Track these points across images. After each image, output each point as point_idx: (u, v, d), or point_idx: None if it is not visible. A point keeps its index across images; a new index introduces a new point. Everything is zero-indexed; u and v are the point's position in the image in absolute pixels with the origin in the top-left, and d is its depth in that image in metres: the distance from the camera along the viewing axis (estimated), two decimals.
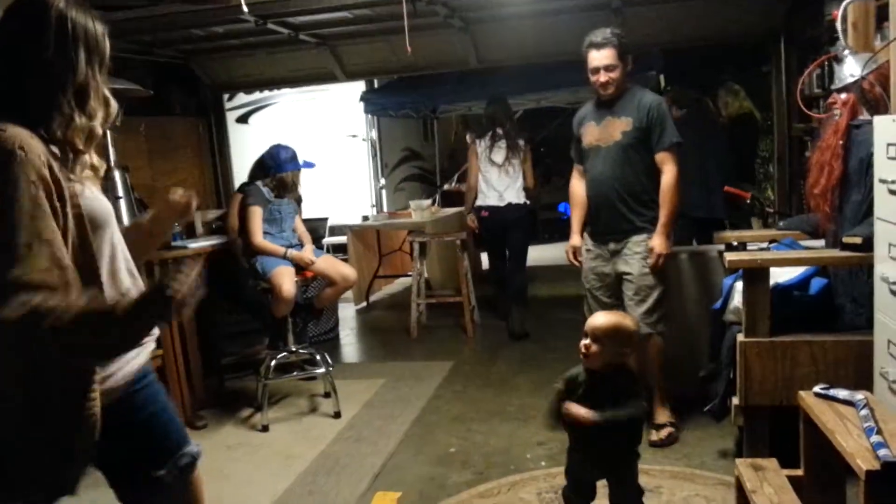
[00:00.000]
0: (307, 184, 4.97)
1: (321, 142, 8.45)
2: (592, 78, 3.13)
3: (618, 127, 3.13)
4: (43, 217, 1.26)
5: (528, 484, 2.80)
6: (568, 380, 2.16)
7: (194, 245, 3.91)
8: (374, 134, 8.54)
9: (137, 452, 1.52)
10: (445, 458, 3.11)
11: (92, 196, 1.46)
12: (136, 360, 1.53)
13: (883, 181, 2.22)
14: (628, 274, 3.13)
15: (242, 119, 8.50)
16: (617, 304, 3.18)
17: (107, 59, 1.48)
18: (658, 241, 3.08)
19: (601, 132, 3.18)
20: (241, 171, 6.38)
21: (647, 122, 3.10)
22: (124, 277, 1.53)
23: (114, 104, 1.50)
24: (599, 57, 3.07)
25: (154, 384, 1.60)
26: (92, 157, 1.50)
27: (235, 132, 7.71)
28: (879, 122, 2.30)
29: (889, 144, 2.18)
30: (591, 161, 3.24)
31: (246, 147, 7.40)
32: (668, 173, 3.10)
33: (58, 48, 1.38)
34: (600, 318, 2.15)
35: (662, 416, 3.15)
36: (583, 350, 2.09)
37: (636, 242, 3.14)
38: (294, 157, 4.11)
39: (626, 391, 2.10)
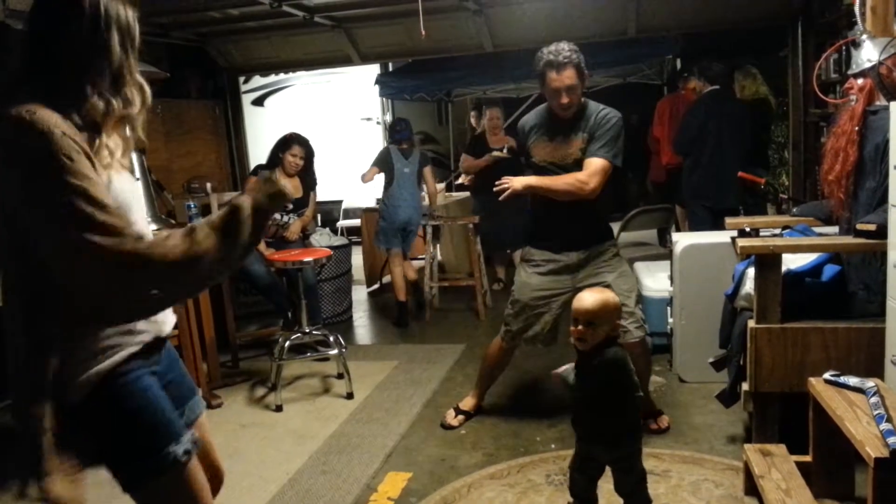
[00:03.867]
0: (322, 167, 5.00)
1: (336, 125, 8.48)
2: (553, 100, 2.97)
3: (576, 145, 2.99)
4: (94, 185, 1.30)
5: (538, 466, 2.83)
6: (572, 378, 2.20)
7: None
8: (389, 117, 8.54)
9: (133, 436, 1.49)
10: (456, 440, 3.15)
11: (119, 184, 1.46)
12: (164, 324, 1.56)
13: None
14: (601, 284, 2.94)
15: (258, 102, 8.54)
16: (556, 319, 3.12)
17: (137, 43, 1.49)
18: (520, 179, 2.96)
19: (556, 151, 3.02)
20: (256, 154, 6.42)
21: (594, 130, 2.97)
22: None
23: (148, 89, 1.50)
24: (561, 78, 2.89)
25: (141, 380, 1.52)
26: (124, 144, 1.51)
27: (251, 115, 7.75)
28: (894, 108, 2.28)
29: None
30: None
31: (262, 130, 7.44)
32: (586, 175, 2.92)
33: (92, 33, 1.39)
34: (589, 300, 2.12)
35: (654, 405, 3.17)
36: (577, 336, 2.09)
37: (602, 252, 3.07)
38: None
39: (619, 364, 2.11)
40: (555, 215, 3.05)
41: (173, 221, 3.99)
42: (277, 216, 4.55)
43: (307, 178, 4.73)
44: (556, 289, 3.08)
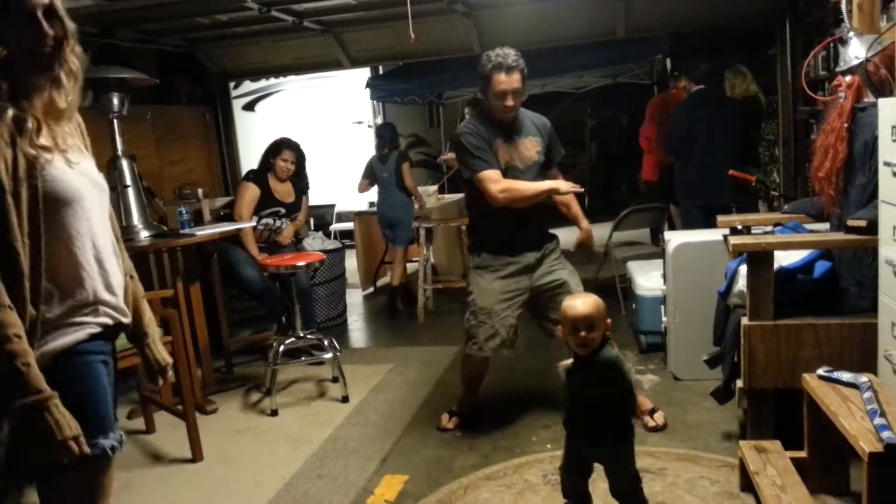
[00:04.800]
0: (314, 171, 5.00)
1: (327, 128, 8.47)
2: (498, 102, 3.01)
3: (531, 147, 3.12)
4: None
5: (534, 466, 2.83)
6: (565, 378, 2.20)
7: (202, 232, 3.93)
8: (380, 120, 8.54)
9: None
10: (452, 442, 3.15)
11: (61, 172, 1.48)
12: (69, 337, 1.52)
13: (888, 164, 2.22)
14: (558, 281, 3.11)
15: (249, 107, 8.53)
16: (518, 322, 3.16)
17: (73, 31, 1.51)
18: (588, 224, 3.28)
19: (515, 153, 3.09)
20: (248, 159, 6.41)
21: (549, 140, 3.20)
22: (86, 260, 1.54)
23: (80, 78, 1.54)
24: (509, 81, 2.96)
25: (94, 365, 1.55)
26: (64, 130, 1.54)
27: (242, 120, 7.73)
28: (884, 104, 2.30)
29: (894, 127, 2.17)
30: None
31: (253, 134, 7.43)
32: (552, 183, 3.12)
33: (13, 15, 1.42)
34: (583, 306, 2.12)
35: (647, 403, 3.18)
36: (581, 343, 2.09)
37: (552, 250, 3.20)
38: None
39: (617, 364, 2.12)
40: (511, 220, 3.08)
41: (165, 228, 3.97)
42: (270, 221, 4.55)
43: (299, 182, 4.73)
44: (517, 290, 3.13)
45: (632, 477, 2.20)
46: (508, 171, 3.07)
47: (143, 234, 3.70)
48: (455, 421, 3.29)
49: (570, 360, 2.18)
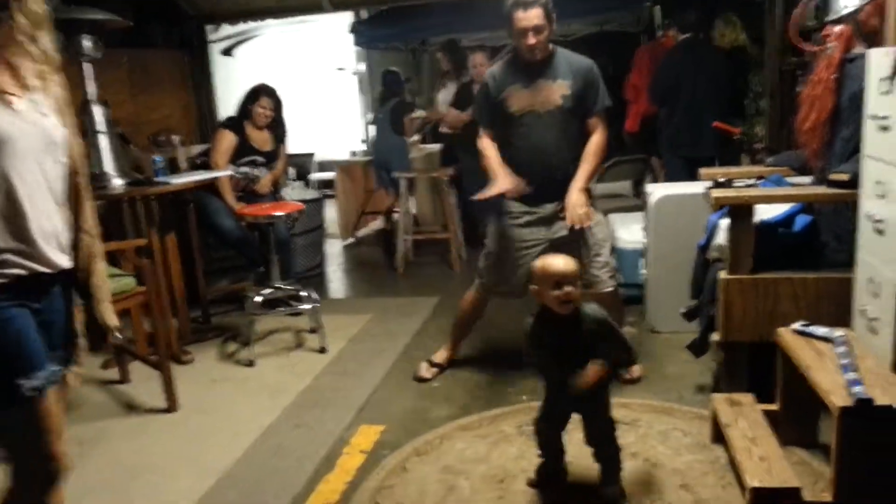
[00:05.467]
0: (294, 119, 4.90)
1: (309, 75, 8.29)
2: (520, 41, 2.94)
3: (556, 91, 2.97)
4: None
5: (510, 417, 2.84)
6: (531, 336, 2.18)
7: (178, 181, 3.85)
8: (363, 67, 8.37)
9: None
10: (429, 393, 3.15)
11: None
12: None
13: (874, 117, 2.18)
14: (579, 235, 3.01)
15: (227, 52, 8.29)
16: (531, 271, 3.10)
17: None
18: (577, 197, 2.94)
19: (534, 97, 2.98)
20: (226, 106, 6.26)
21: (583, 84, 2.99)
22: (24, 208, 1.53)
23: (42, 17, 1.49)
24: (528, 17, 2.86)
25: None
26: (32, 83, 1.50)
27: (220, 65, 7.52)
28: (873, 55, 2.24)
29: (882, 79, 2.13)
30: (525, 128, 3.02)
31: (232, 80, 7.24)
32: (600, 134, 3.03)
33: None
34: (562, 263, 2.11)
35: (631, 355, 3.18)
36: (569, 299, 2.07)
37: None
38: None
39: (603, 317, 2.12)
40: (531, 167, 3.01)
41: (140, 176, 3.88)
42: (248, 169, 4.46)
43: (277, 130, 4.63)
44: (532, 240, 3.06)
45: (608, 424, 2.21)
46: (526, 116, 3.00)
47: (117, 182, 3.61)
48: (434, 371, 3.28)
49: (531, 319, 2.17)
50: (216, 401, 3.23)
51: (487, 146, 3.09)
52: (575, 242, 3.00)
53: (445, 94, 5.96)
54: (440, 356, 3.35)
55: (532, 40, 2.90)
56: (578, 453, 2.36)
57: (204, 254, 4.47)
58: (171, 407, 3.12)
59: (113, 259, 3.25)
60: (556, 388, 2.21)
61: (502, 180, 2.97)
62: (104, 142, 3.68)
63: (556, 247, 3.02)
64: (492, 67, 3.17)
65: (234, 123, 4.48)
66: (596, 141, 3.02)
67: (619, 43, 7.63)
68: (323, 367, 3.51)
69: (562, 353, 2.14)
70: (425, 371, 3.28)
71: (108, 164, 3.65)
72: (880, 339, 2.16)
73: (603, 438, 2.22)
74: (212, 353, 3.80)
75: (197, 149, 5.06)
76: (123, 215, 4.02)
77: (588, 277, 3.00)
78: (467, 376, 3.27)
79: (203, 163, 4.66)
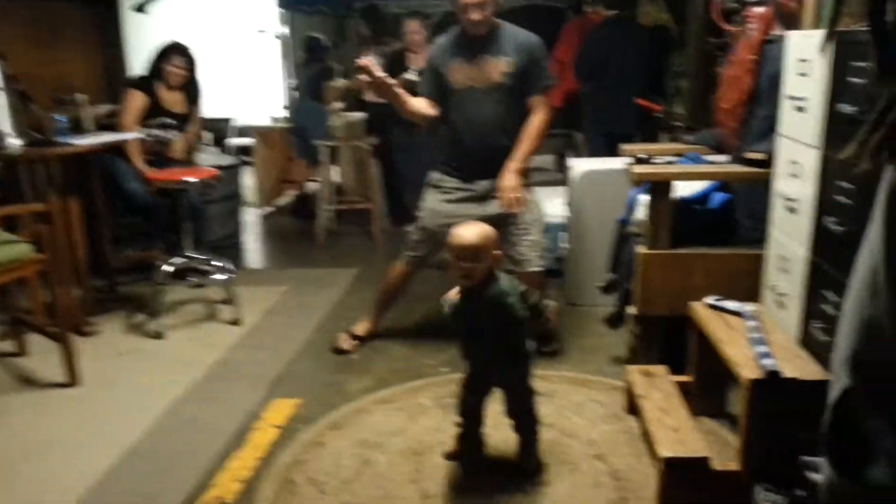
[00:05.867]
0: (212, 82, 4.68)
1: (228, 36, 7.96)
2: (463, 15, 2.87)
3: (497, 67, 2.91)
4: None
5: (428, 389, 2.82)
6: (452, 307, 2.14)
7: (82, 142, 3.61)
8: (287, 30, 8.08)
9: None
10: (346, 366, 3.09)
11: None
12: None
13: (790, 97, 2.22)
14: (510, 214, 2.98)
15: (140, 8, 7.86)
16: None
17: None
18: (510, 179, 2.89)
19: (475, 72, 2.93)
20: (138, 66, 5.93)
21: (527, 62, 2.92)
22: None
23: None
24: None
25: None
26: None
27: (132, 22, 7.12)
28: (792, 37, 2.28)
29: (799, 60, 2.16)
30: (463, 103, 2.95)
31: (144, 39, 6.86)
32: (541, 115, 2.96)
33: None
34: (468, 235, 2.04)
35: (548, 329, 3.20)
36: (462, 274, 2.02)
37: None
38: None
39: (508, 295, 2.09)
40: (467, 144, 2.97)
41: (39, 136, 3.62)
42: (158, 132, 4.24)
43: (191, 91, 4.41)
44: (464, 216, 3.00)
45: (528, 397, 2.21)
46: (466, 91, 2.92)
47: (15, 143, 3.36)
48: (354, 343, 3.22)
49: (455, 291, 2.13)
50: (122, 374, 3.08)
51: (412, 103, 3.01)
52: (505, 220, 2.98)
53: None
54: (361, 328, 3.28)
55: (475, 15, 2.84)
56: (496, 424, 2.35)
57: (111, 220, 4.23)
58: (73, 381, 2.94)
59: (11, 225, 3.03)
60: (473, 363, 2.19)
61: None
62: (1, 99, 3.42)
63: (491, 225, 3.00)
64: (440, 38, 3.10)
65: (144, 83, 4.24)
66: (536, 121, 2.96)
67: (546, 18, 7.64)
68: (236, 340, 3.40)
69: (475, 329, 2.11)
70: (344, 343, 3.22)
71: (5, 122, 3.40)
72: (788, 314, 2.23)
73: (522, 411, 2.22)
74: (118, 325, 3.62)
75: (104, 109, 4.77)
76: (21, 178, 3.76)
77: (516, 256, 3.00)
78: (386, 348, 3.22)
79: (110, 124, 4.40)
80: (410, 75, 4.57)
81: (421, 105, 3.02)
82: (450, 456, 2.31)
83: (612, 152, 4.50)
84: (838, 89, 1.93)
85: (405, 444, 2.43)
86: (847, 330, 0.81)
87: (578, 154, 5.48)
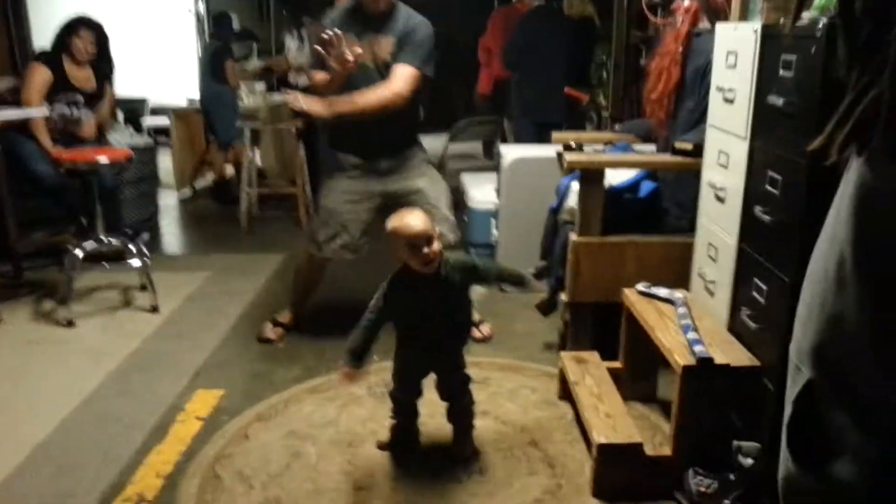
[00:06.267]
0: (125, 60, 4.44)
1: (143, 13, 7.60)
2: None
3: (386, 47, 2.86)
4: None
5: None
6: (388, 297, 2.10)
7: None
8: (202, 7, 7.76)
9: None
10: (273, 354, 2.99)
11: None
12: None
13: (720, 89, 2.26)
14: (412, 188, 2.95)
15: None
16: (365, 226, 2.99)
17: None
18: (320, 103, 2.74)
19: (367, 50, 2.82)
20: (44, 38, 5.57)
21: (405, 40, 2.83)
22: None
23: None
24: None
25: None
26: None
27: None
28: (721, 29, 2.32)
29: (729, 52, 2.20)
30: (356, 81, 2.77)
31: (52, 12, 6.45)
32: (388, 87, 2.77)
33: None
34: (416, 222, 1.99)
35: (476, 314, 3.20)
36: (429, 259, 1.98)
37: (410, 158, 2.99)
38: None
39: (469, 264, 2.11)
40: (362, 122, 2.88)
41: None
42: (66, 110, 3.98)
43: (101, 67, 4.17)
44: (365, 192, 2.96)
45: (463, 380, 2.19)
46: (360, 71, 2.80)
47: None
48: (278, 332, 3.12)
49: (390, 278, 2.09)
50: (29, 365, 2.89)
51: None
52: (408, 199, 2.94)
53: (291, 41, 5.68)
54: (285, 316, 3.18)
55: None
56: (432, 412, 2.32)
57: (16, 202, 3.96)
58: None
59: None
60: (414, 348, 2.14)
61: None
62: None
63: (389, 204, 2.93)
64: (332, 11, 2.99)
65: (50, 57, 3.99)
66: (376, 90, 2.76)
67: (474, 5, 7.63)
68: (154, 329, 3.24)
69: (425, 312, 2.07)
70: (269, 332, 3.11)
71: None
72: (716, 301, 2.28)
73: (457, 393, 2.20)
74: (25, 313, 3.39)
75: (5, 83, 4.46)
76: None
77: None
78: (314, 337, 3.13)
79: (14, 101, 4.11)
80: None
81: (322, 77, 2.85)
82: (383, 446, 2.27)
83: (541, 140, 4.54)
84: (767, 81, 1.98)
85: (337, 434, 2.36)
86: (808, 322, 0.80)
87: (505, 141, 5.50)
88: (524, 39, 4.85)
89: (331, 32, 2.63)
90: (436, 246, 1.99)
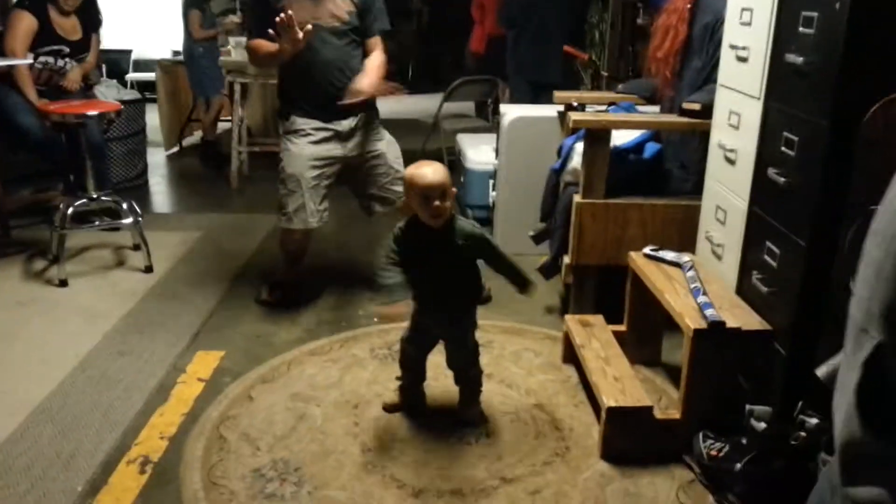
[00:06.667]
0: (107, 10, 4.29)
1: None
2: None
3: (342, 7, 2.81)
4: None
5: (361, 340, 2.73)
6: (394, 248, 2.05)
7: None
8: None
9: None
10: (272, 316, 2.95)
11: None
12: None
13: (733, 46, 2.21)
14: (374, 152, 2.95)
15: None
16: (328, 192, 2.95)
17: None
18: (367, 81, 2.79)
19: (319, 11, 2.77)
20: None
21: (366, 2, 2.86)
22: None
23: None
24: None
25: None
26: None
27: None
28: None
29: (743, 9, 2.15)
30: (310, 43, 2.71)
31: None
32: (379, 55, 2.91)
33: None
34: (432, 173, 1.96)
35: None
36: (435, 213, 1.95)
37: (370, 120, 2.95)
38: None
39: (479, 232, 2.08)
40: (319, 85, 2.82)
41: None
42: (51, 60, 3.85)
43: (88, 16, 4.02)
44: (329, 158, 2.90)
45: (472, 350, 2.18)
46: (315, 32, 2.72)
47: None
48: (275, 294, 3.08)
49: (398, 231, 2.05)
50: (22, 325, 2.83)
51: (257, 42, 2.82)
52: (369, 162, 2.96)
53: None
54: (282, 278, 3.13)
55: None
56: (437, 375, 2.31)
57: (1, 158, 3.85)
58: None
59: None
60: (425, 305, 2.12)
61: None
62: None
63: (352, 166, 2.96)
64: None
65: (34, 5, 3.83)
66: (379, 57, 2.90)
67: None
68: (148, 289, 3.18)
69: (430, 267, 2.04)
70: (266, 294, 3.07)
71: None
72: (724, 265, 2.27)
73: (466, 363, 2.18)
74: (14, 272, 3.32)
75: None
76: None
77: (390, 196, 3.00)
78: (313, 298, 3.10)
79: None
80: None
81: (269, 47, 2.75)
82: (389, 408, 2.25)
83: (537, 100, 4.48)
84: (784, 39, 1.93)
85: (341, 396, 2.35)
86: (877, 282, 0.76)
87: (498, 101, 5.41)
88: None
89: (283, 16, 2.53)
90: (448, 202, 1.95)
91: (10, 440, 2.11)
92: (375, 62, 2.88)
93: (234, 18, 5.61)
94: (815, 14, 1.78)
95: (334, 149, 2.90)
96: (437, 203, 1.93)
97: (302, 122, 2.88)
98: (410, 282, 2.01)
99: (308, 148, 2.87)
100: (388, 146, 3.01)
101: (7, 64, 3.52)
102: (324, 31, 2.78)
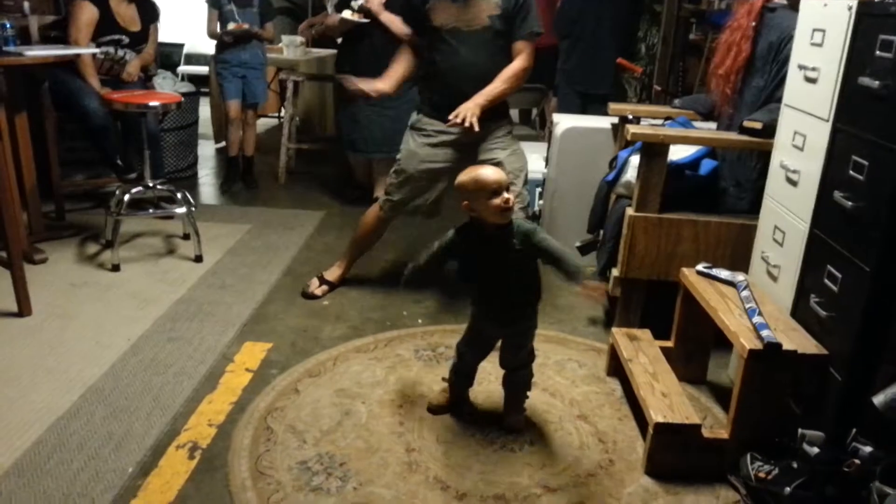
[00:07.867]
0: (161, 1, 4.36)
1: None
2: None
3: (484, 10, 2.76)
4: None
5: (406, 340, 2.75)
6: (445, 247, 2.07)
7: (32, 53, 3.32)
8: None
9: None
10: (318, 311, 2.98)
11: None
12: None
13: (802, 67, 2.19)
14: (492, 160, 2.84)
15: None
16: (441, 193, 2.99)
17: None
18: (470, 103, 2.68)
19: (462, 13, 2.77)
20: None
21: (514, 5, 2.76)
22: None
23: None
24: None
25: None
26: None
27: None
28: (806, 5, 2.24)
29: (815, 30, 2.13)
30: (447, 45, 2.78)
31: None
32: (522, 61, 2.80)
33: None
34: (491, 171, 2.00)
35: None
36: (506, 208, 1.95)
37: (496, 129, 2.90)
38: None
39: (538, 231, 2.05)
40: (451, 87, 2.82)
41: None
42: (111, 50, 3.94)
43: (147, 7, 4.11)
44: (444, 161, 2.91)
45: (528, 352, 2.18)
46: (450, 33, 2.76)
47: None
48: (324, 289, 3.11)
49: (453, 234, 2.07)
50: (77, 307, 2.90)
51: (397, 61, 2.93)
52: (501, 167, 2.89)
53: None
54: (332, 273, 3.17)
55: None
56: (480, 380, 2.32)
57: (60, 141, 3.95)
58: (24, 310, 2.76)
59: None
60: (486, 308, 2.13)
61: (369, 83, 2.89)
62: None
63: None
64: None
65: None
66: (515, 65, 2.80)
67: None
68: (198, 278, 3.24)
69: (492, 268, 2.05)
70: (315, 288, 3.10)
71: None
72: (779, 286, 2.24)
73: (521, 364, 2.18)
74: (68, 254, 3.41)
75: (48, 19, 4.41)
76: None
77: None
78: (359, 297, 3.13)
79: (56, 37, 4.07)
80: (349, 15, 4.01)
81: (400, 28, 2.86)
82: (434, 410, 2.26)
83: (585, 111, 4.47)
84: (859, 62, 1.91)
85: (386, 395, 2.36)
86: None
87: (544, 110, 5.40)
88: (576, 7, 4.73)
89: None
90: (511, 196, 1.97)
91: (65, 416, 2.17)
92: (508, 71, 2.77)
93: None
94: (893, 38, 1.76)
95: (449, 153, 2.89)
96: (507, 195, 1.94)
97: (426, 122, 2.91)
98: (472, 286, 2.02)
99: (423, 149, 2.90)
100: (508, 156, 2.86)
101: (73, 52, 3.60)
102: (463, 34, 2.77)
